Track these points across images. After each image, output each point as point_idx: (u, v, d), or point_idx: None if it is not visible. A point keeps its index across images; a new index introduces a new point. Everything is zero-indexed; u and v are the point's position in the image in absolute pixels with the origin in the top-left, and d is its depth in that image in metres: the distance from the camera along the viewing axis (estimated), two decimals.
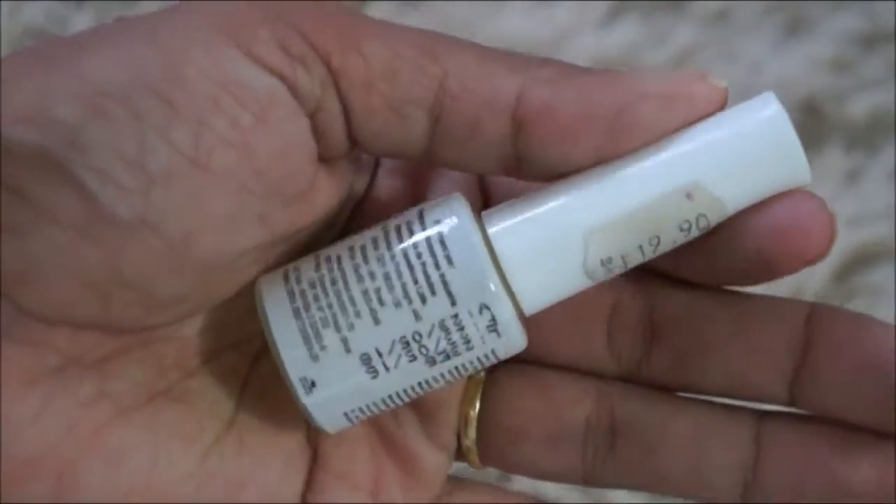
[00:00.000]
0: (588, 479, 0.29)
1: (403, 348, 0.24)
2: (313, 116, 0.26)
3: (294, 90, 0.26)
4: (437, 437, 0.29)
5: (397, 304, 0.24)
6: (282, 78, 0.26)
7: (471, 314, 0.23)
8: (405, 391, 0.25)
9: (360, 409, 0.25)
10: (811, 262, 0.25)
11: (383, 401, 0.25)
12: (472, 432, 0.29)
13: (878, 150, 0.38)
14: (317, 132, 0.26)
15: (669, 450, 0.27)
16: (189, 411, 0.28)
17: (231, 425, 0.28)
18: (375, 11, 0.39)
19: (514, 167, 0.25)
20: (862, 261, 0.36)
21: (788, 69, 0.39)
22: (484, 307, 0.23)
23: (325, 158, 0.27)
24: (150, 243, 0.27)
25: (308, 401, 0.25)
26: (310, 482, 0.28)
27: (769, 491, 0.26)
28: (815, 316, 0.26)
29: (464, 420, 0.29)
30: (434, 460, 0.29)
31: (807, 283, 0.35)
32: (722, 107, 0.25)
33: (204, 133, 0.26)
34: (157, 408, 0.28)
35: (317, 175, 0.27)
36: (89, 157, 0.27)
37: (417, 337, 0.24)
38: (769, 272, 0.25)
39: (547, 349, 0.27)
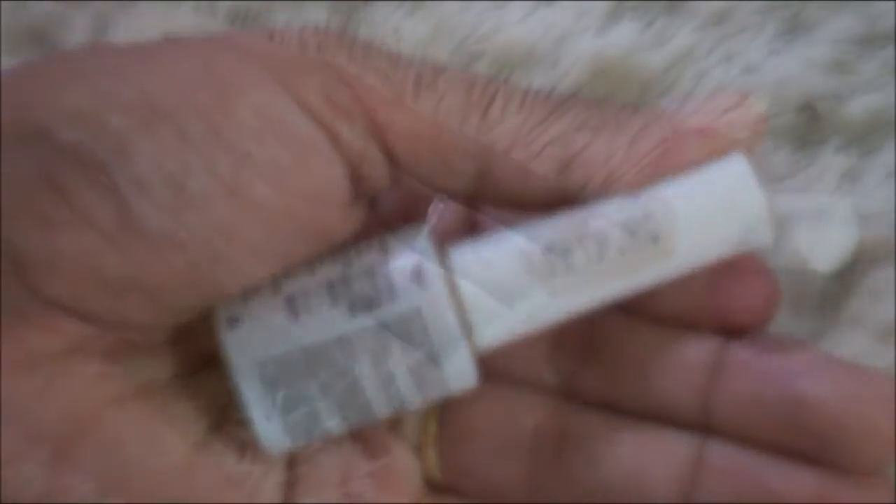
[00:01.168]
0: (532, 491, 0.29)
1: (328, 290, 0.25)
2: (355, 165, 0.27)
3: (335, 139, 0.27)
4: (400, 430, 0.29)
5: (334, 261, 0.25)
6: (324, 126, 0.27)
7: (397, 259, 0.24)
8: (322, 350, 0.24)
9: (275, 364, 0.25)
10: (738, 328, 0.26)
11: (298, 356, 0.25)
12: (432, 453, 0.29)
13: (877, 151, 0.38)
14: (357, 178, 0.27)
15: (612, 462, 0.27)
16: (186, 404, 0.29)
17: (222, 422, 0.29)
18: (377, 12, 0.39)
19: (559, 204, 0.26)
20: (861, 261, 0.36)
21: (787, 70, 0.39)
22: (412, 254, 0.25)
23: (361, 195, 0.28)
24: (173, 261, 0.27)
25: (226, 336, 0.25)
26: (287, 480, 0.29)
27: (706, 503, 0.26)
28: (734, 338, 0.26)
29: (423, 433, 0.29)
30: (402, 453, 0.30)
31: (806, 284, 0.35)
32: (760, 131, 0.25)
33: (244, 166, 0.27)
34: (156, 398, 0.28)
35: (345, 214, 0.27)
36: (132, 168, 0.28)
37: (343, 280, 0.25)
38: (695, 319, 0.26)
39: (493, 362, 0.28)
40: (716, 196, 0.24)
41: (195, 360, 0.33)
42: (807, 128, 0.39)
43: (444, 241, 0.28)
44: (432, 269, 0.24)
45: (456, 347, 0.24)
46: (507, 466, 0.29)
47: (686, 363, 0.27)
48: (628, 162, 0.27)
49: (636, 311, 0.27)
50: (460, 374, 0.24)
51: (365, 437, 0.31)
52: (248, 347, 0.25)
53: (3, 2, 0.34)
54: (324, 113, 0.28)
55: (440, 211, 0.34)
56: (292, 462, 0.31)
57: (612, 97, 0.38)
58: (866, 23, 0.40)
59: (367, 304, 0.24)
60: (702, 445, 0.26)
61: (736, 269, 0.27)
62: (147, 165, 0.30)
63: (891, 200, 0.37)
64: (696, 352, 0.27)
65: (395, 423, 0.29)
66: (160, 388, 0.31)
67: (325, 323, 0.24)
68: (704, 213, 0.24)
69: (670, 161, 0.26)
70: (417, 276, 0.24)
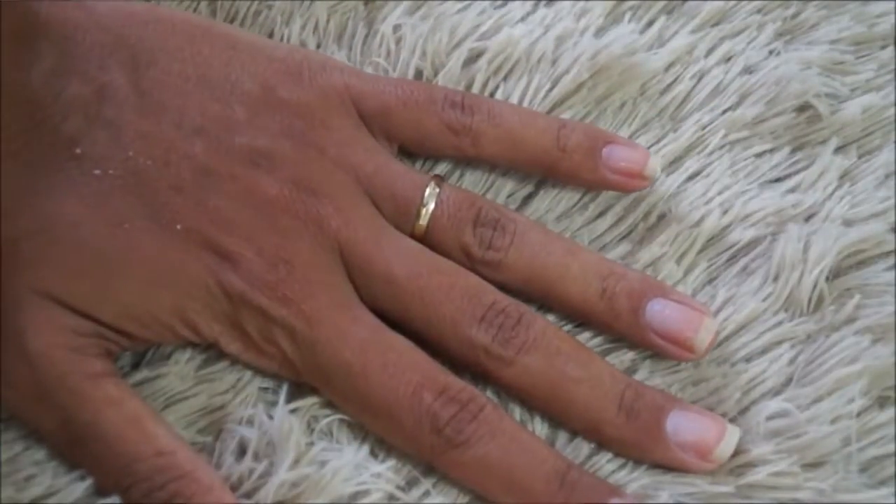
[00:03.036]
0: None
1: None
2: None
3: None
4: None
5: None
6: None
7: None
8: None
9: None
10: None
11: None
12: None
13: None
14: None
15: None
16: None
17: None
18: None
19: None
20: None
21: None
22: None
23: None
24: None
25: None
26: None
27: None
28: None
29: None
30: None
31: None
32: None
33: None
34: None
35: None
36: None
37: None
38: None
39: None
40: None
41: (201, 355, 0.33)
42: (806, 128, 0.39)
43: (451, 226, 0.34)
44: None
45: None
46: None
47: None
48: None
49: None
50: None
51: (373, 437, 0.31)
52: None
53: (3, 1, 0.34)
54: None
55: (438, 195, 0.34)
56: (298, 461, 0.31)
57: (612, 96, 0.38)
58: (865, 24, 0.40)
59: None
60: None
61: None
62: (142, 153, 0.32)
63: (890, 200, 0.37)
64: None
65: None
66: (161, 385, 0.31)
67: None
68: None
69: None
70: None
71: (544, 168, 0.36)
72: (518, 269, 0.34)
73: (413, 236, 0.34)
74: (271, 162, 0.32)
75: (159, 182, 0.31)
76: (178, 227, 0.31)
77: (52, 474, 0.31)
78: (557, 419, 0.34)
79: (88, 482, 0.30)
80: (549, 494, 0.31)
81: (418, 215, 0.34)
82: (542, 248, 0.34)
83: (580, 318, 0.35)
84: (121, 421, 0.30)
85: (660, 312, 0.33)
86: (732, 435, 0.32)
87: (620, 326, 0.34)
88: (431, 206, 0.34)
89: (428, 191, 0.34)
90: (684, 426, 0.32)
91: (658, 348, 0.34)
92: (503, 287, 0.34)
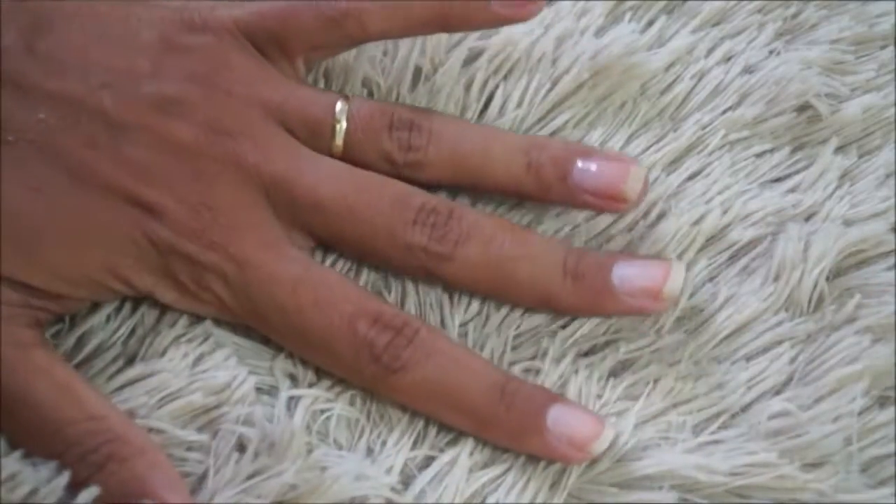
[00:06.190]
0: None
1: None
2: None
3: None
4: None
5: None
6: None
7: None
8: None
9: None
10: None
11: None
12: None
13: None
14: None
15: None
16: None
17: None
18: None
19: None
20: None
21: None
22: None
23: None
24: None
25: None
26: None
27: None
28: None
29: None
30: None
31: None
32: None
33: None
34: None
35: None
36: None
37: None
38: None
39: None
40: None
41: (196, 352, 0.33)
42: (806, 128, 0.39)
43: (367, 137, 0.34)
44: None
45: None
46: None
47: None
48: None
49: None
50: None
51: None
52: None
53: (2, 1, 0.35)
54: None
55: (349, 110, 0.35)
56: (299, 465, 0.31)
57: (612, 96, 0.38)
58: (865, 24, 0.40)
59: None
60: None
61: None
62: (52, 114, 0.31)
63: (890, 200, 0.37)
64: None
65: None
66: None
67: None
68: None
69: None
70: None
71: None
72: (441, 164, 0.34)
73: (332, 156, 0.35)
74: (181, 108, 0.33)
75: (73, 141, 0.32)
76: (98, 183, 0.31)
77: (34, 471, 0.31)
78: (509, 302, 0.35)
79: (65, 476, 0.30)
80: (490, 406, 0.32)
81: (333, 133, 0.34)
82: (461, 138, 0.35)
83: (512, 196, 0.36)
84: (51, 388, 0.31)
85: (586, 172, 0.34)
86: (678, 270, 0.33)
87: (552, 196, 0.35)
88: (344, 122, 0.34)
89: (338, 107, 0.34)
90: (630, 275, 0.33)
91: (593, 207, 0.35)
92: (431, 186, 0.35)
